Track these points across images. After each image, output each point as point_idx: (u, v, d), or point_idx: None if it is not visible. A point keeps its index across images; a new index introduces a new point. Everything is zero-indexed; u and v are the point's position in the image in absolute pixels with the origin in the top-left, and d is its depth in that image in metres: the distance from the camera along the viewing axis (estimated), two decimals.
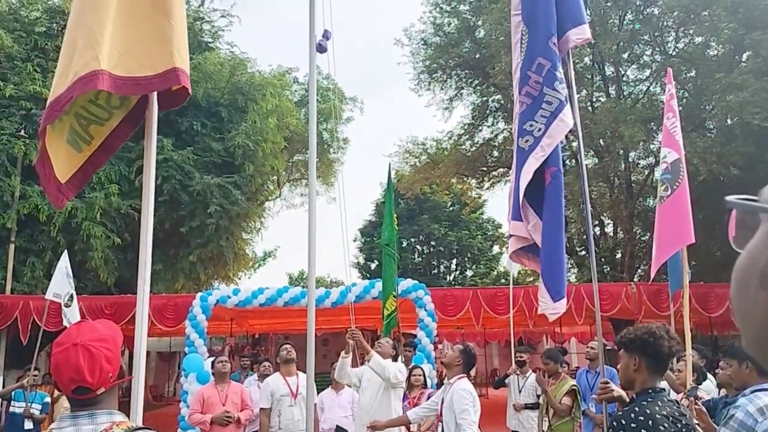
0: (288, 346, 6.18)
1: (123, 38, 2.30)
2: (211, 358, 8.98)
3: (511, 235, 4.21)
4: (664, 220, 5.38)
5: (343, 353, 5.44)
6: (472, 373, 4.91)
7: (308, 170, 3.85)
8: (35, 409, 7.34)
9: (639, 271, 18.05)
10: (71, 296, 8.86)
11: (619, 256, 19.20)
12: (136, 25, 2.33)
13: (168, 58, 2.29)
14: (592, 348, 6.99)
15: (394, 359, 5.62)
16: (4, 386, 12.24)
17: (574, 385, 5.94)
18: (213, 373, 6.31)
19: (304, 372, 5.10)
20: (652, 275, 5.98)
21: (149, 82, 2.28)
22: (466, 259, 34.21)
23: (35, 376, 7.88)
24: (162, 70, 2.28)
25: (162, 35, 2.32)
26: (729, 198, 0.49)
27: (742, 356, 3.18)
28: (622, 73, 19.05)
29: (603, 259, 18.94)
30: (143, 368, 2.06)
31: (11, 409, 7.38)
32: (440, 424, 4.81)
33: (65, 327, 8.93)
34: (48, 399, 7.86)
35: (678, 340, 2.66)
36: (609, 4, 17.58)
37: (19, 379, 8.79)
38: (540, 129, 3.83)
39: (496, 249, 34.14)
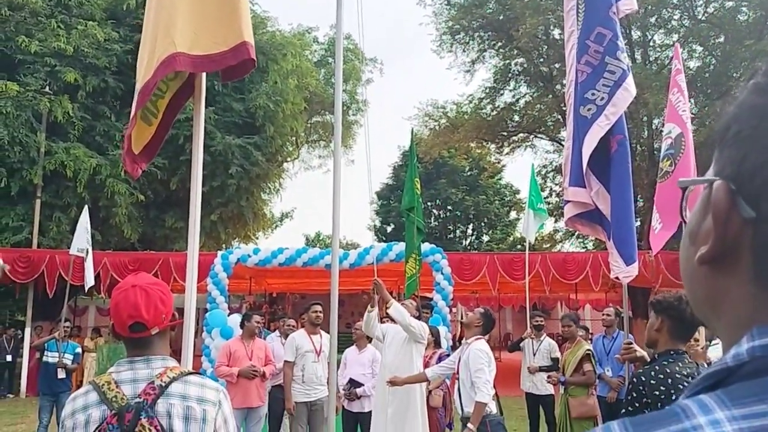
0: (318, 308, 6.32)
1: (198, 19, 2.47)
2: (236, 314, 9.21)
3: (567, 201, 4.26)
4: (669, 195, 5.41)
5: (369, 307, 5.66)
6: (486, 337, 5.04)
7: (332, 131, 3.91)
8: (67, 359, 7.61)
9: None
10: (87, 251, 9.13)
11: (638, 224, 19.14)
12: (208, 5, 2.50)
13: (237, 33, 2.45)
14: (608, 315, 7.09)
15: (417, 320, 5.78)
16: (32, 337, 12.69)
17: (589, 350, 6.03)
18: (243, 329, 6.50)
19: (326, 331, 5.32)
20: (656, 251, 6.05)
21: (223, 57, 2.44)
22: (483, 224, 34.23)
23: (66, 327, 8.17)
24: (233, 44, 2.43)
25: (231, 11, 2.48)
26: (680, 179, 0.55)
27: None
28: (649, 37, 18.65)
29: None
30: (193, 318, 2.19)
31: (45, 359, 7.66)
32: (457, 381, 4.96)
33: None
34: (79, 349, 8.16)
35: None
36: None
37: (51, 331, 9.13)
38: (603, 98, 3.88)
39: (513, 215, 34.07)
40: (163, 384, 1.72)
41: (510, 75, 20.32)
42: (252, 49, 2.46)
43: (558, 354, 7.66)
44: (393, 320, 5.39)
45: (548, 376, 6.82)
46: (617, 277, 4.00)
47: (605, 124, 3.84)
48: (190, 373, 1.81)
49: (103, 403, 1.70)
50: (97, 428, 1.66)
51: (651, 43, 18.74)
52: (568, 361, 5.95)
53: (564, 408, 5.77)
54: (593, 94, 3.91)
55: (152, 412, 1.66)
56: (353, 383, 6.36)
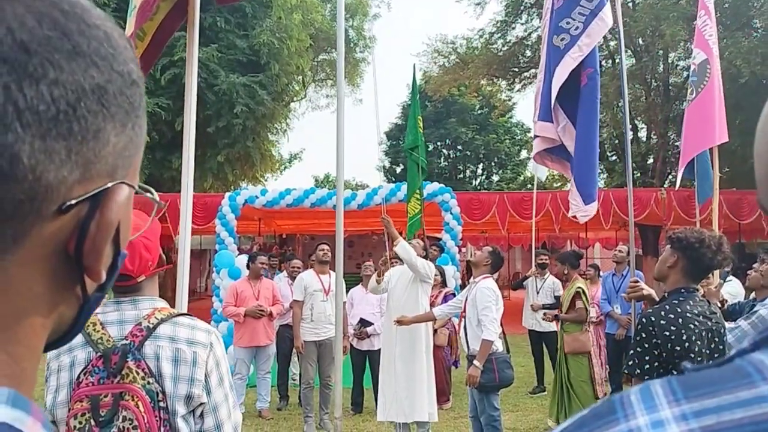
0: (325, 247, 6.34)
1: None
2: (243, 255, 9.22)
3: (536, 136, 4.14)
4: (689, 122, 5.32)
5: (375, 277, 5.73)
6: (495, 276, 4.99)
7: (336, 69, 3.73)
8: None
9: (670, 177, 17.75)
10: None
11: (650, 161, 18.83)
12: None
13: None
14: (619, 251, 7.02)
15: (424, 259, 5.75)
16: None
17: (580, 287, 5.98)
18: (249, 270, 6.51)
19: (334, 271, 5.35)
20: (678, 180, 5.98)
21: None
22: (493, 163, 33.88)
23: None
24: None
25: None
26: None
27: None
28: None
29: (634, 165, 18.58)
30: (188, 261, 2.12)
31: None
32: (463, 320, 4.94)
33: None
34: None
35: (726, 255, 2.58)
36: None
37: None
38: (578, 27, 3.65)
39: (524, 154, 33.66)
40: (151, 325, 1.65)
41: (522, 7, 19.60)
42: None
43: (561, 292, 7.66)
44: (400, 259, 5.35)
45: (544, 314, 6.84)
46: (575, 216, 3.91)
47: (578, 55, 3.64)
48: (180, 315, 1.73)
49: (89, 345, 1.64)
50: (82, 370, 1.60)
51: None
52: (565, 298, 5.97)
53: (560, 343, 5.83)
54: (568, 23, 3.68)
55: (139, 355, 1.60)
56: (363, 322, 6.42)
